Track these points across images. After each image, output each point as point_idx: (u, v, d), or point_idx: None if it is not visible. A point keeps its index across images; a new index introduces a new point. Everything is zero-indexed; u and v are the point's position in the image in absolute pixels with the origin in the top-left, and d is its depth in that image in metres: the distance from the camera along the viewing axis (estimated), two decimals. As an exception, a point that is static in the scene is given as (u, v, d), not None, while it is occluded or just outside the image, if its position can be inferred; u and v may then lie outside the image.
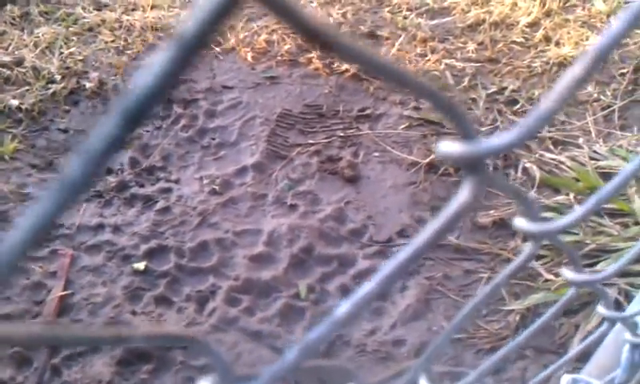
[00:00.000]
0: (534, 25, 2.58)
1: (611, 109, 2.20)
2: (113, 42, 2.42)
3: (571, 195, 1.87)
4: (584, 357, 1.14)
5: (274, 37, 2.50)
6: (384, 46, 2.47)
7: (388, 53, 2.43)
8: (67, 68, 2.28)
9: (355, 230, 1.86)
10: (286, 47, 2.45)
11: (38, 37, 2.39)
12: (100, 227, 1.79)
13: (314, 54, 2.42)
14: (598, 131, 2.12)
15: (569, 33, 2.50)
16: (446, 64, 2.39)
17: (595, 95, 2.26)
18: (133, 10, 2.59)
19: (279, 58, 2.43)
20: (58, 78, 2.22)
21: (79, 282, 1.64)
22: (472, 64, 2.40)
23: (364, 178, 2.02)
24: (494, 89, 2.30)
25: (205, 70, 2.36)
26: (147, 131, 2.11)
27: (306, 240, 1.80)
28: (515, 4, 2.66)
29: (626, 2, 2.65)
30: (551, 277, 1.65)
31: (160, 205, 1.87)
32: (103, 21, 2.51)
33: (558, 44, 2.47)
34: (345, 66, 2.37)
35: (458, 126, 0.28)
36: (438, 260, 1.76)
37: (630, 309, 0.88)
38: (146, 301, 1.61)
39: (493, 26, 2.58)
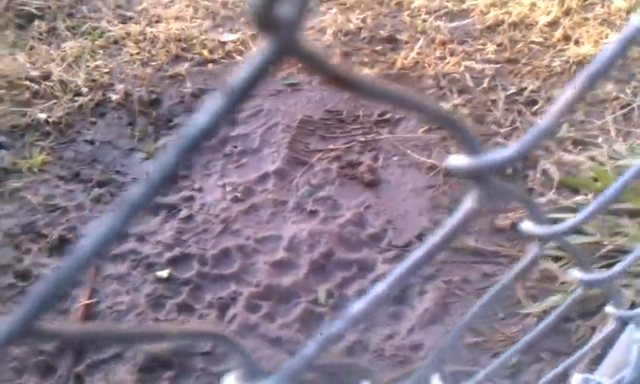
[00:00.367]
0: (553, 24, 2.58)
1: (630, 107, 2.19)
2: (137, 54, 2.47)
3: (590, 195, 1.87)
4: (599, 358, 1.16)
5: (295, 44, 2.53)
6: (403, 50, 2.49)
7: (407, 56, 2.45)
8: (93, 80, 2.34)
9: (375, 235, 1.88)
10: (307, 54, 2.48)
11: (65, 51, 2.46)
12: (125, 236, 1.84)
13: (334, 61, 2.44)
14: (618, 130, 2.12)
15: (588, 31, 2.50)
16: (465, 66, 2.40)
17: (614, 94, 2.25)
18: (157, 21, 2.65)
19: (299, 65, 2.45)
20: (85, 90, 2.28)
21: (104, 290, 1.69)
22: (491, 65, 2.41)
23: (384, 182, 2.05)
24: (513, 90, 2.31)
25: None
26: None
27: (326, 245, 1.83)
28: (534, 4, 2.66)
29: (647, -2, 2.64)
30: (568, 279, 1.66)
31: (183, 213, 1.91)
32: (128, 34, 2.57)
33: (577, 43, 2.47)
34: (365, 71, 2.40)
35: (463, 142, 0.32)
36: (457, 263, 1.78)
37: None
38: (168, 308, 1.66)
39: (512, 27, 2.59)
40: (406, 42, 2.54)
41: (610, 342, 1.00)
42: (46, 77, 2.33)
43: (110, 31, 2.57)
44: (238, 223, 1.89)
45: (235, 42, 2.55)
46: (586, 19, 2.57)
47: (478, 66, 2.40)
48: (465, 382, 0.72)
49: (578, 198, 1.88)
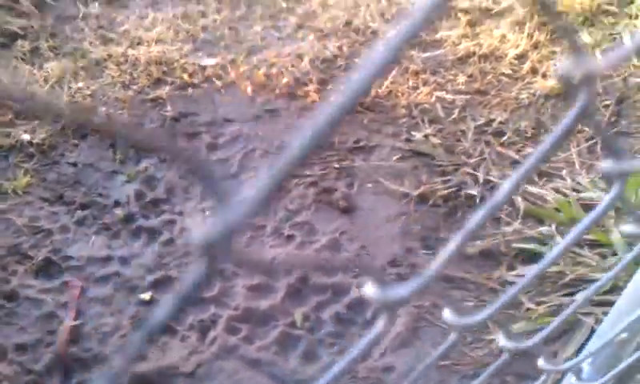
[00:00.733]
0: (521, 57, 2.69)
1: (594, 141, 2.31)
2: (119, 76, 2.53)
3: (553, 226, 1.97)
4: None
5: (273, 70, 2.61)
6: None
7: (381, 85, 2.54)
8: (75, 102, 2.39)
9: (349, 259, 1.96)
10: (284, 80, 2.56)
11: (48, 72, 2.51)
12: (108, 259, 1.90)
13: (311, 87, 2.53)
14: (582, 163, 2.23)
15: (555, 65, 2.61)
16: (437, 96, 2.50)
17: (579, 127, 2.36)
18: (138, 44, 2.71)
19: (278, 91, 2.54)
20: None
21: (89, 312, 1.74)
22: (462, 96, 2.51)
23: (358, 208, 2.13)
24: (482, 120, 2.41)
25: (207, 104, 2.47)
26: (152, 164, 2.22)
27: (303, 269, 1.91)
28: (504, 36, 2.77)
29: (610, 34, 2.77)
30: (532, 306, 1.75)
31: (164, 237, 1.98)
32: (110, 55, 2.63)
33: (544, 76, 2.58)
34: (340, 99, 2.48)
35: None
36: (428, 289, 1.86)
37: (587, 349, 0.98)
38: (151, 330, 1.72)
39: (482, 59, 2.69)
40: (381, 71, 2.63)
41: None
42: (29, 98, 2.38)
43: (92, 53, 2.63)
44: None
45: (214, 67, 2.62)
46: (553, 53, 2.69)
47: (449, 97, 2.50)
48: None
49: (543, 229, 1.98)
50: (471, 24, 2.87)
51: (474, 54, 2.71)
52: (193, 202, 2.13)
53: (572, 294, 1.77)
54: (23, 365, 1.58)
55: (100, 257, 1.90)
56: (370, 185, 2.20)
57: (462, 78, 2.60)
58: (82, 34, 2.75)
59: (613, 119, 2.41)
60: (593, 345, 0.93)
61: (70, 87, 2.45)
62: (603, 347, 0.88)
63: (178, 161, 0.25)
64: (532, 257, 1.91)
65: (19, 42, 2.67)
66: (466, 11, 2.94)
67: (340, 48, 2.77)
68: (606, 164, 0.47)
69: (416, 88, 2.54)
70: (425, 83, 2.57)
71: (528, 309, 1.77)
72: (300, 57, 2.70)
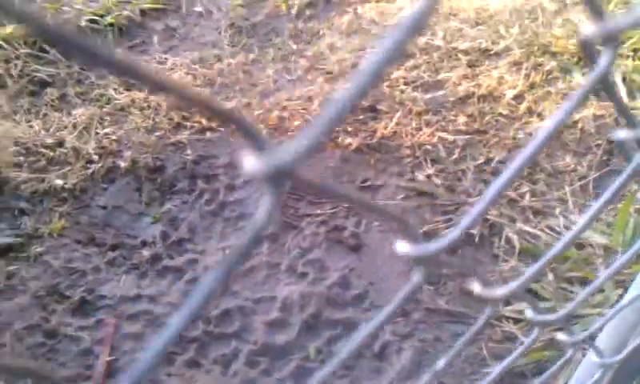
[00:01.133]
0: (518, 97, 2.87)
1: (587, 180, 2.47)
2: (142, 121, 2.72)
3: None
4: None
5: (285, 113, 2.80)
6: (383, 120, 2.76)
7: (387, 126, 2.72)
8: (103, 147, 2.58)
9: (358, 296, 2.14)
10: (296, 122, 2.75)
11: (76, 118, 2.70)
12: (138, 297, 2.08)
13: (321, 129, 2.70)
14: (575, 201, 2.40)
15: (550, 105, 2.78)
16: (439, 137, 2.68)
17: (572, 165, 2.53)
18: (159, 89, 2.89)
19: (290, 132, 2.72)
20: (96, 157, 2.52)
21: (122, 348, 1.92)
22: (462, 136, 2.68)
23: (366, 246, 2.30)
24: (481, 160, 2.58)
25: (224, 147, 2.66)
26: (175, 206, 2.40)
27: (315, 306, 2.08)
28: (502, 77, 2.95)
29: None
30: (525, 339, 1.92)
31: (188, 276, 2.16)
32: (133, 101, 2.82)
33: (540, 116, 2.75)
34: (349, 140, 2.66)
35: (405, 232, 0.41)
36: (430, 323, 2.04)
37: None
38: (178, 364, 1.90)
39: (481, 99, 2.87)
40: (386, 112, 2.81)
41: None
42: (60, 144, 2.57)
43: (116, 99, 2.82)
44: (237, 285, 2.14)
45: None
46: (549, 93, 2.86)
47: (450, 137, 2.67)
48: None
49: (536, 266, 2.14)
50: (471, 65, 3.05)
51: (474, 94, 2.89)
52: (214, 240, 2.31)
53: (563, 329, 1.93)
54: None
55: (131, 295, 2.08)
56: (376, 223, 2.38)
57: (462, 119, 2.77)
58: (106, 79, 2.94)
59: (605, 158, 2.57)
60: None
61: (97, 133, 2.64)
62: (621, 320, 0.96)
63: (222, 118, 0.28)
64: (527, 293, 2.07)
65: (48, 89, 2.86)
66: (466, 52, 3.12)
67: (348, 90, 2.94)
68: (621, 133, 0.54)
69: (419, 129, 2.72)
70: (427, 124, 2.74)
71: (522, 342, 1.93)
72: (310, 99, 2.88)
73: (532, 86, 2.91)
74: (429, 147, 2.63)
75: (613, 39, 0.42)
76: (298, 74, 3.08)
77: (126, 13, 3.33)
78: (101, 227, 2.31)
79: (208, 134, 2.71)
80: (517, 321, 1.99)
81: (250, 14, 3.50)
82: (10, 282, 2.08)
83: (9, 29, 3.02)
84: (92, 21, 3.23)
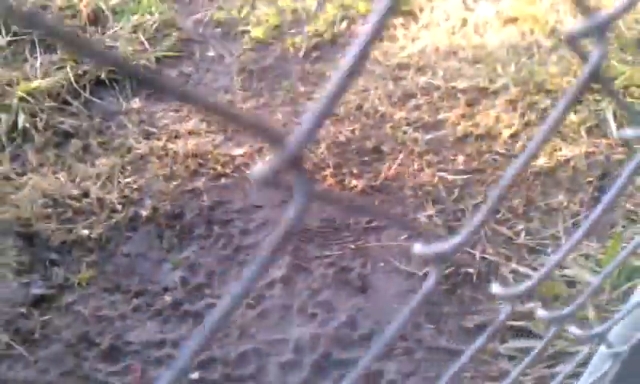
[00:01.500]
0: (514, 136, 3.03)
1: (579, 217, 2.63)
2: (161, 169, 2.90)
3: (539, 302, 2.30)
4: None
5: (295, 157, 2.97)
6: (387, 161, 2.94)
7: (390, 167, 2.89)
8: (125, 197, 2.76)
9: (365, 335, 2.31)
10: (305, 166, 2.92)
11: (99, 168, 2.89)
12: (162, 343, 2.26)
13: (327, 172, 2.89)
14: (567, 239, 2.55)
15: (544, 144, 2.94)
16: (439, 177, 2.85)
17: (565, 203, 2.69)
18: (176, 137, 3.09)
19: (299, 176, 2.89)
20: (119, 207, 2.71)
21: (149, 391, 2.11)
22: (461, 176, 2.85)
23: (371, 287, 2.47)
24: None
25: (238, 192, 2.84)
26: (194, 251, 2.59)
27: (325, 346, 2.26)
28: (499, 116, 3.11)
29: (596, 111, 3.09)
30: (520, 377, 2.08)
31: (208, 320, 2.33)
32: (151, 149, 3.00)
33: (534, 154, 2.91)
34: (354, 182, 2.84)
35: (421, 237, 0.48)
36: (432, 361, 2.20)
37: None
38: (201, 405, 2.08)
39: (479, 138, 3.03)
40: (389, 154, 2.98)
41: None
42: (85, 194, 2.77)
43: (136, 149, 3.01)
44: (253, 328, 2.32)
45: (243, 156, 2.99)
46: (542, 132, 3.01)
47: (450, 177, 2.84)
48: None
49: (531, 304, 2.30)
50: (469, 104, 3.22)
51: (472, 133, 3.06)
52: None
53: (554, 366, 2.10)
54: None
55: (155, 341, 2.26)
56: (381, 264, 2.55)
57: (461, 158, 2.94)
58: (126, 129, 3.14)
59: (596, 195, 2.73)
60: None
61: (119, 182, 2.83)
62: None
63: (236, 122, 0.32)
64: (521, 330, 2.24)
65: (72, 140, 3.06)
66: (464, 91, 3.29)
67: (353, 132, 3.13)
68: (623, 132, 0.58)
69: (421, 170, 2.89)
70: (428, 164, 2.91)
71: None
72: (317, 142, 3.06)
73: (527, 125, 3.07)
74: (429, 188, 2.80)
75: (601, 33, 0.44)
76: (305, 117, 3.25)
77: (143, 62, 3.52)
78: (126, 275, 2.50)
79: (222, 180, 2.89)
80: (511, 358, 2.16)
81: (260, 58, 3.68)
82: (45, 331, 2.27)
83: (34, 83, 3.22)
84: (111, 71, 3.42)
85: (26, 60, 3.52)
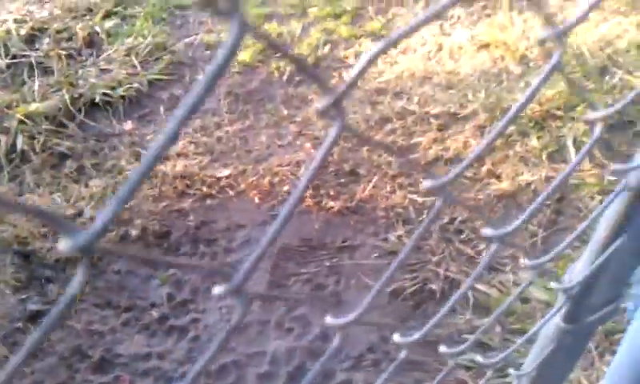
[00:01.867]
0: (480, 160, 3.24)
1: (536, 238, 2.85)
2: (150, 190, 3.11)
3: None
4: None
5: (276, 179, 3.18)
6: (362, 183, 3.15)
7: (365, 189, 3.10)
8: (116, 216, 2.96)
9: (336, 348, 2.51)
10: (285, 188, 3.13)
11: (92, 189, 3.09)
12: (149, 355, 2.46)
13: (307, 194, 3.09)
14: (526, 258, 2.76)
15: (508, 168, 3.16)
16: (409, 199, 3.06)
17: (524, 225, 2.90)
18: (165, 159, 3.29)
19: (280, 197, 3.10)
20: (111, 227, 2.90)
21: (136, 400, 2.31)
22: (430, 198, 3.06)
23: (344, 302, 2.68)
24: (446, 220, 2.95)
25: (223, 212, 3.04)
26: (180, 269, 2.79)
27: (299, 358, 2.46)
28: (467, 141, 3.32)
29: (558, 137, 3.31)
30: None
31: (191, 334, 2.54)
32: (142, 171, 3.20)
33: (499, 178, 3.13)
34: (331, 203, 3.04)
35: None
36: (397, 372, 2.41)
37: None
38: (184, 413, 2.28)
39: (448, 162, 3.24)
40: (364, 176, 3.19)
41: None
42: (80, 214, 2.97)
43: (128, 170, 3.21)
44: (233, 341, 2.52)
45: (228, 178, 3.19)
46: (507, 156, 3.23)
47: (420, 199, 3.05)
48: None
49: (487, 320, 2.52)
50: (441, 129, 3.43)
51: (442, 157, 3.27)
52: (213, 301, 2.69)
53: (503, 376, 2.30)
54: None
55: (142, 353, 2.47)
56: (353, 281, 2.76)
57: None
58: (119, 151, 3.34)
59: (553, 217, 2.94)
60: None
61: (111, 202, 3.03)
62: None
63: None
64: (479, 344, 2.45)
65: (67, 162, 3.26)
66: (437, 116, 3.50)
67: (331, 154, 3.33)
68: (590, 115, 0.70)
69: (393, 191, 3.10)
70: (400, 187, 3.12)
71: (471, 388, 2.30)
72: (298, 164, 3.27)
73: (493, 150, 3.28)
74: (400, 210, 3.01)
75: (561, 38, 0.56)
76: (288, 140, 3.47)
77: (135, 85, 3.73)
78: (116, 291, 2.70)
79: (208, 201, 3.10)
80: (468, 368, 2.37)
81: (246, 81, 3.89)
82: (40, 345, 2.46)
83: (32, 106, 3.42)
84: (105, 94, 3.63)
85: (24, 82, 3.72)
